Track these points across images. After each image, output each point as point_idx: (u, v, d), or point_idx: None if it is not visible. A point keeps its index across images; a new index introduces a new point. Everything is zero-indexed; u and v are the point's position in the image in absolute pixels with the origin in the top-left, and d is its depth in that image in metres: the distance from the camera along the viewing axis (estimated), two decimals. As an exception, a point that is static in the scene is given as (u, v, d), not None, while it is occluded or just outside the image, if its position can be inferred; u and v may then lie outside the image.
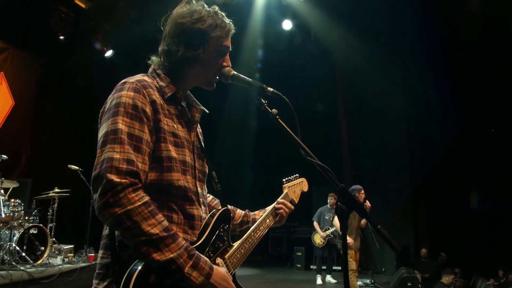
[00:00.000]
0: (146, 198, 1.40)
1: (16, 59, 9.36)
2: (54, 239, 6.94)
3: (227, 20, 1.77)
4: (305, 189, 2.36)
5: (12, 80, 9.16)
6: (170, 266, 1.36)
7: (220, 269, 1.53)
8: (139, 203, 1.36)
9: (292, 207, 2.10)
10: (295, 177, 2.30)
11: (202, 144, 1.90)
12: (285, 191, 2.18)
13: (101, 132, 1.48)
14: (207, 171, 1.85)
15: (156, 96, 1.59)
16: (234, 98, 11.85)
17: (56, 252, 6.92)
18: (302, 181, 2.33)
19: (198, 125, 1.90)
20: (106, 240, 1.53)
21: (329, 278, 9.59)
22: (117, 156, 1.40)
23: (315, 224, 9.58)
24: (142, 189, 1.42)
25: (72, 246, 7.44)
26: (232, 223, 1.98)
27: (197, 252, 1.46)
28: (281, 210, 2.04)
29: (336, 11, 9.97)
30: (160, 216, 1.41)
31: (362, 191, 7.45)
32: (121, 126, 1.45)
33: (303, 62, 12.53)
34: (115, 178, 1.35)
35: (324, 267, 9.84)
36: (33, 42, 9.60)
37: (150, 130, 1.53)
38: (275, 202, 2.08)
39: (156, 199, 1.50)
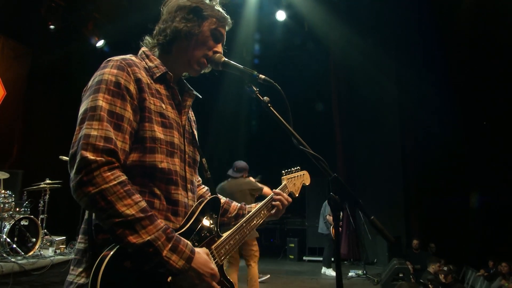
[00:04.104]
0: (123, 178, 1.34)
1: (7, 49, 9.20)
2: (45, 230, 6.89)
3: (226, 15, 1.79)
4: (307, 182, 2.27)
5: (3, 70, 9.02)
6: (147, 249, 1.29)
7: (202, 253, 1.46)
8: (114, 182, 1.30)
9: (290, 199, 2.02)
10: (296, 169, 2.22)
11: (195, 131, 1.86)
12: (283, 182, 2.11)
13: (81, 109, 1.43)
14: (198, 159, 1.80)
15: (142, 75, 1.55)
16: (227, 91, 11.79)
17: (48, 243, 6.87)
18: (303, 174, 2.24)
19: (192, 112, 1.88)
20: (84, 224, 1.48)
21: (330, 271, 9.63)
22: (94, 133, 1.34)
23: (330, 217, 9.61)
24: (119, 169, 1.36)
25: (64, 237, 7.40)
26: (227, 215, 1.95)
27: (176, 234, 1.40)
28: (277, 202, 1.97)
29: (330, 2, 9.91)
30: (137, 197, 1.34)
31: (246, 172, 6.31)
32: (101, 103, 1.40)
33: (296, 54, 12.47)
34: (90, 156, 1.30)
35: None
36: (23, 32, 9.45)
37: (134, 108, 1.48)
38: (272, 193, 2.01)
39: (139, 182, 1.46)
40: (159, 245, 1.31)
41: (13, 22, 9.15)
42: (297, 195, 2.16)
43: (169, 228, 1.38)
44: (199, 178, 1.93)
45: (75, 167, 1.30)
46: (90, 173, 1.28)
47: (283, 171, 2.16)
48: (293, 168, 2.21)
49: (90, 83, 1.50)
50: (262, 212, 1.93)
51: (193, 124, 1.89)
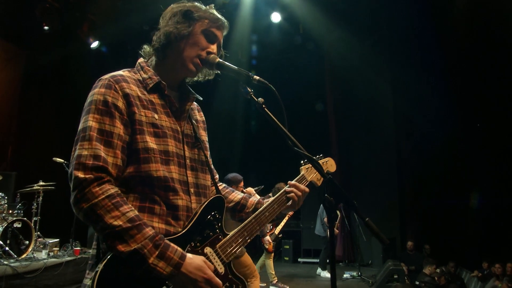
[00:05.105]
0: (112, 191, 1.43)
1: (1, 50, 9.15)
2: (38, 233, 6.82)
3: (220, 16, 1.81)
4: (332, 169, 2.14)
5: (-4, 71, 8.97)
6: (135, 257, 1.37)
7: (196, 258, 1.49)
8: (103, 196, 1.40)
9: (307, 190, 1.94)
10: (319, 157, 2.12)
11: (202, 132, 1.91)
12: (301, 172, 2.03)
13: (77, 130, 1.53)
14: (204, 160, 1.82)
15: (132, 89, 1.61)
16: (225, 90, 11.77)
17: (41, 246, 6.80)
18: (327, 161, 2.14)
19: (201, 113, 1.98)
20: None
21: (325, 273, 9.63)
22: (85, 152, 1.45)
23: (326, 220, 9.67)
24: (110, 182, 1.45)
25: (58, 240, 7.33)
26: (244, 211, 1.97)
27: (166, 241, 1.45)
28: (292, 194, 1.90)
29: (324, 3, 9.93)
30: (125, 208, 1.42)
31: (241, 184, 5.74)
32: (90, 123, 1.50)
33: (291, 55, 12.49)
34: (81, 175, 1.41)
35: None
36: (17, 33, 9.39)
37: (124, 123, 1.55)
38: (287, 184, 1.95)
39: (139, 191, 1.54)
40: (145, 253, 1.38)
41: (7, 23, 9.08)
42: (319, 184, 2.04)
43: (157, 236, 1.43)
44: (217, 176, 1.97)
45: (71, 186, 1.43)
46: (82, 191, 1.41)
47: (302, 161, 2.06)
48: (316, 156, 2.09)
49: (85, 104, 1.59)
50: (274, 205, 1.88)
51: (201, 124, 1.95)
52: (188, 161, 1.71)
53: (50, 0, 8.77)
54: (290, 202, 1.92)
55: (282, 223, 8.02)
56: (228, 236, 1.70)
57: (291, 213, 7.55)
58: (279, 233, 8.02)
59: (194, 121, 1.85)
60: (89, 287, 1.38)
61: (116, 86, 1.57)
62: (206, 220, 1.66)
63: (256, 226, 1.78)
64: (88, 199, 1.39)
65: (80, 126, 1.52)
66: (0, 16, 8.78)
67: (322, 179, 2.04)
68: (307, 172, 2.04)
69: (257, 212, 1.82)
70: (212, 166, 1.91)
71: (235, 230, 1.72)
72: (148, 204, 1.54)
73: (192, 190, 1.69)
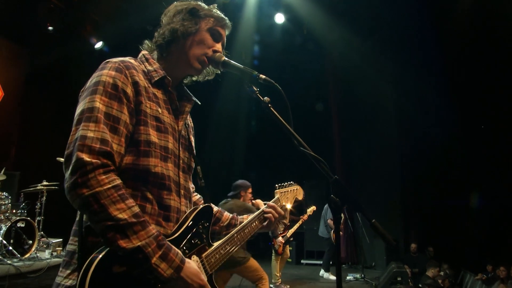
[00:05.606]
0: (118, 181, 1.33)
1: (4, 50, 9.18)
2: (42, 232, 6.83)
3: (224, 16, 1.79)
4: (300, 197, 2.27)
5: (0, 71, 8.99)
6: (137, 255, 1.28)
7: (193, 264, 1.46)
8: (109, 185, 1.30)
9: (282, 212, 2.02)
10: (289, 184, 2.24)
11: (192, 137, 1.86)
12: (276, 196, 2.13)
13: (78, 110, 1.42)
14: (193, 165, 1.79)
15: (140, 78, 1.54)
16: (226, 91, 11.78)
17: (44, 246, 6.82)
18: (296, 189, 2.26)
19: (190, 118, 1.89)
20: (76, 226, 1.47)
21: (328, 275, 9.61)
22: (90, 134, 1.33)
23: (331, 222, 9.62)
24: (115, 172, 1.36)
25: (61, 239, 7.34)
26: (218, 224, 1.96)
27: (168, 242, 1.39)
28: (269, 215, 1.97)
29: (326, 3, 9.91)
30: (130, 201, 1.33)
31: (250, 190, 5.62)
32: (98, 104, 1.39)
33: (294, 56, 12.49)
34: (86, 158, 1.29)
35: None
36: (21, 33, 9.43)
37: (130, 111, 1.47)
38: (265, 205, 2.02)
39: (131, 186, 1.45)
40: (149, 252, 1.30)
41: (11, 23, 9.12)
42: (289, 209, 2.19)
43: (160, 235, 1.37)
44: (193, 185, 1.91)
45: (70, 168, 1.30)
46: (85, 175, 1.27)
47: (276, 185, 2.19)
48: (286, 182, 2.23)
49: (88, 84, 1.49)
50: (254, 223, 1.94)
51: (191, 130, 1.89)
52: (181, 162, 1.67)
53: (54, 0, 8.80)
54: (266, 223, 1.96)
55: (296, 227, 8.21)
56: (213, 247, 1.68)
57: (305, 217, 7.84)
58: (290, 236, 8.13)
59: (186, 125, 1.82)
60: (74, 287, 1.29)
61: (127, 72, 1.50)
62: (196, 228, 1.64)
63: (237, 241, 1.81)
64: (91, 186, 1.26)
65: (84, 106, 1.39)
66: (3, 15, 8.82)
67: (292, 204, 2.22)
68: (282, 196, 2.15)
69: (239, 227, 1.85)
70: (201, 175, 1.87)
71: (219, 242, 1.73)
72: (139, 201, 1.45)
73: (182, 192, 1.65)
